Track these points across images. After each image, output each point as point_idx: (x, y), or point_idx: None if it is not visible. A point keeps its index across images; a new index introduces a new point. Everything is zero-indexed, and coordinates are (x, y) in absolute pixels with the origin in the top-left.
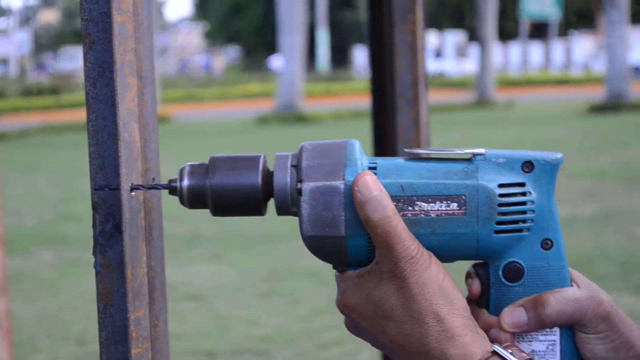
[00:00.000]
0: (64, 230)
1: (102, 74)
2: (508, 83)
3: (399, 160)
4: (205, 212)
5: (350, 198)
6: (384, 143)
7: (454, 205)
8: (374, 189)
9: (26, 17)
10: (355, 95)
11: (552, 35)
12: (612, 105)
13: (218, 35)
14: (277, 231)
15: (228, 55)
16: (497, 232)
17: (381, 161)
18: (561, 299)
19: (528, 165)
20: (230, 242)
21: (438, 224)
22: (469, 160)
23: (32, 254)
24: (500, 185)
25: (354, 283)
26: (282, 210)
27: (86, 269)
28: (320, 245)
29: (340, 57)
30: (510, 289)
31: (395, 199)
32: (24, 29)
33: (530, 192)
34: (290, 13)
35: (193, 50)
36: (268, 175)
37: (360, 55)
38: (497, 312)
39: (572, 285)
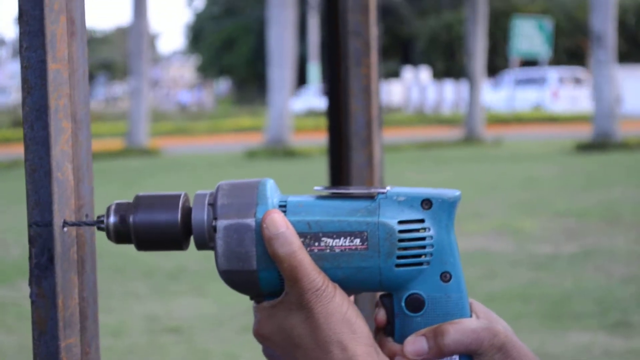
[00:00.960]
0: None
1: (39, 117)
2: (497, 120)
3: (308, 199)
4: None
5: (261, 234)
6: (340, 181)
7: (357, 241)
8: (281, 226)
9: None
10: None
11: None
12: (599, 144)
13: (210, 69)
14: None
15: (219, 89)
16: (398, 265)
17: (291, 199)
18: (459, 330)
19: (427, 203)
20: (213, 275)
21: (342, 259)
22: (372, 198)
23: (16, 285)
24: (400, 222)
25: (267, 313)
26: (200, 246)
27: None
28: (234, 278)
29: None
30: (413, 319)
31: (302, 235)
32: (15, 59)
33: (429, 228)
34: (280, 47)
35: (185, 83)
36: (187, 213)
37: None
38: (401, 341)
39: (471, 316)
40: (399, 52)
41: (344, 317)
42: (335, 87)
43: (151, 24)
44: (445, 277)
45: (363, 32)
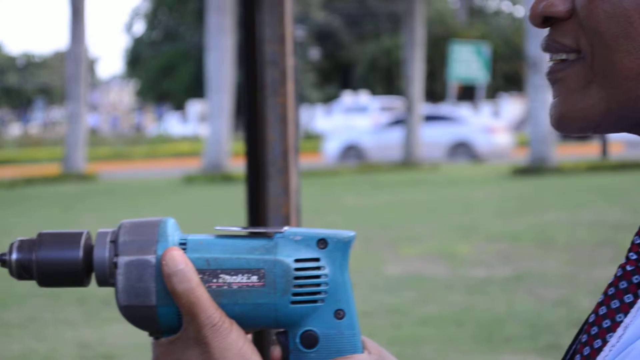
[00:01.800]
0: None
1: None
2: None
3: (208, 237)
4: None
5: (160, 271)
6: (257, 209)
7: (254, 278)
8: (180, 263)
9: None
10: None
11: (480, 97)
12: (535, 168)
13: (148, 94)
14: None
15: (158, 113)
16: (293, 302)
17: (191, 238)
18: None
19: (322, 243)
20: None
21: (240, 295)
22: (270, 237)
23: None
24: (297, 260)
25: (165, 349)
26: (101, 282)
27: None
28: (134, 314)
29: None
30: (307, 355)
31: (200, 271)
32: None
33: (324, 267)
34: (218, 73)
35: (124, 108)
36: (89, 250)
37: None
38: None
39: (363, 352)
40: (339, 76)
41: (240, 352)
42: (253, 116)
43: (90, 49)
44: (339, 314)
45: (280, 62)
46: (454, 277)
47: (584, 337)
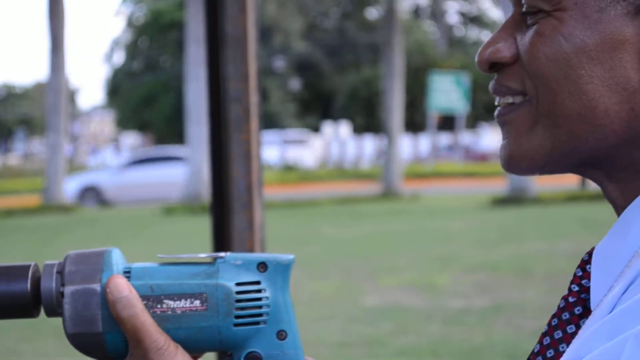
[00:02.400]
0: None
1: None
2: (416, 175)
3: (152, 265)
4: None
5: (106, 298)
6: (222, 242)
7: (197, 302)
8: (124, 290)
9: None
10: (265, 186)
11: (460, 127)
12: (514, 198)
13: (128, 124)
14: None
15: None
16: (236, 325)
17: (136, 266)
18: None
19: (262, 266)
20: None
21: (183, 319)
22: (211, 263)
23: None
24: (238, 284)
25: None
26: (49, 312)
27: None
28: (82, 341)
29: None
30: None
31: (145, 298)
32: None
33: (265, 290)
34: (197, 104)
35: (105, 138)
36: (37, 282)
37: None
38: None
39: None
40: (319, 107)
41: None
42: (217, 151)
43: (70, 79)
44: (281, 335)
45: (243, 99)
46: (432, 308)
47: None
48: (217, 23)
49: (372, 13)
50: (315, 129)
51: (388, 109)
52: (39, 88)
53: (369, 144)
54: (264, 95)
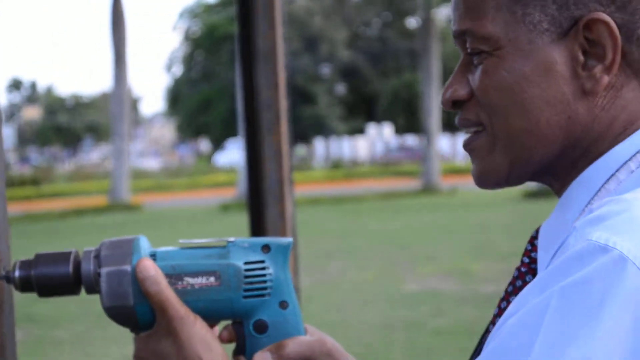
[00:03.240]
0: (34, 311)
1: None
2: (453, 171)
3: (174, 249)
4: None
5: (135, 277)
6: (258, 231)
7: (212, 279)
8: (150, 270)
9: (10, 113)
10: (314, 183)
11: None
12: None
13: (188, 129)
14: None
15: (191, 148)
16: (245, 297)
17: (160, 250)
18: (296, 342)
19: (266, 248)
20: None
21: (201, 293)
22: (223, 246)
23: None
24: (246, 263)
25: (144, 341)
26: (89, 290)
27: (51, 346)
28: (116, 313)
29: (302, 147)
30: (259, 339)
31: (168, 276)
32: (8, 124)
33: (268, 267)
34: None
35: (166, 142)
36: (77, 265)
37: (320, 146)
38: (251, 357)
39: (305, 334)
40: (364, 110)
41: (203, 340)
42: (252, 151)
43: (132, 89)
44: (284, 305)
45: (274, 106)
46: (466, 293)
47: (491, 327)
48: (249, 39)
49: (411, 22)
50: (361, 130)
51: (427, 110)
52: (104, 97)
53: (411, 143)
54: (310, 99)
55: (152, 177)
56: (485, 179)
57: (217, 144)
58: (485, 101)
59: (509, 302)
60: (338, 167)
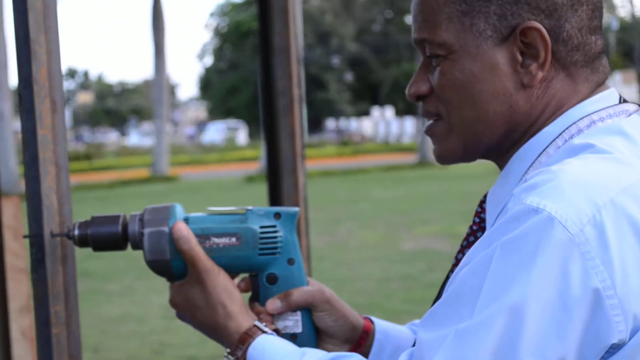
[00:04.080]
0: (88, 266)
1: (33, 164)
2: None
3: (203, 215)
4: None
5: (171, 237)
6: (275, 199)
7: (233, 239)
8: (184, 231)
9: (67, 98)
10: (325, 158)
11: None
12: None
13: (218, 111)
14: None
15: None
16: (260, 254)
17: (192, 215)
18: (300, 292)
19: (277, 215)
20: None
21: (224, 251)
22: (243, 213)
23: None
24: (261, 227)
25: (178, 289)
26: (134, 246)
27: (103, 296)
28: (156, 266)
29: (315, 126)
30: (271, 289)
31: (197, 236)
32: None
33: (279, 231)
34: None
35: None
36: (125, 226)
37: (330, 125)
38: (264, 304)
39: (308, 285)
40: (369, 95)
41: (225, 288)
42: (270, 132)
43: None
44: (291, 262)
45: (288, 93)
46: (454, 252)
47: (451, 274)
48: (267, 35)
49: (410, 19)
50: (366, 112)
51: None
52: (146, 84)
53: (409, 124)
54: (322, 86)
55: (187, 152)
56: (444, 158)
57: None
58: (442, 96)
59: (464, 254)
60: (347, 144)
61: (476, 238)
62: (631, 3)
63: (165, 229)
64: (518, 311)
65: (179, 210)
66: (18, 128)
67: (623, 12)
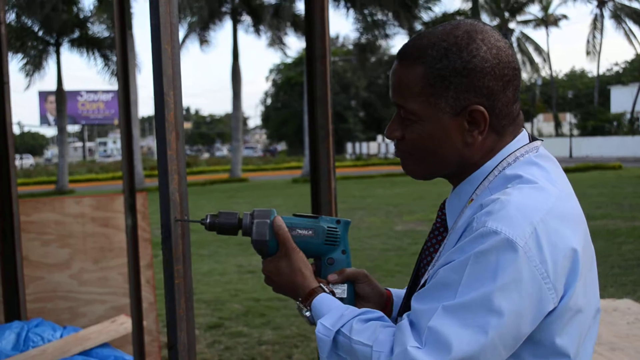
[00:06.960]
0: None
1: (164, 174)
2: None
3: (292, 217)
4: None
5: (271, 226)
6: (316, 197)
7: (310, 232)
8: (281, 222)
9: None
10: (346, 168)
11: None
12: None
13: (273, 137)
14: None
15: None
16: (324, 244)
17: (285, 216)
18: (349, 270)
19: (338, 221)
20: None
21: (303, 239)
22: (317, 218)
23: None
24: (328, 227)
25: (270, 261)
26: (245, 233)
27: (198, 257)
28: (258, 244)
29: (339, 147)
30: (329, 268)
31: (288, 227)
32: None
33: (338, 231)
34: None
35: (261, 144)
36: (240, 219)
37: (349, 146)
38: (325, 277)
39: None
40: (375, 126)
41: (303, 261)
42: (314, 151)
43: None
44: (343, 252)
45: (325, 127)
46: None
47: (423, 262)
48: (312, 88)
49: None
50: (373, 138)
51: None
52: (227, 116)
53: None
54: (344, 120)
55: (253, 163)
56: (411, 175)
57: (289, 147)
58: (410, 146)
59: (432, 246)
60: (360, 159)
61: (440, 233)
62: (550, 67)
63: (268, 220)
64: (486, 298)
65: (275, 212)
66: (142, 144)
67: (544, 72)
